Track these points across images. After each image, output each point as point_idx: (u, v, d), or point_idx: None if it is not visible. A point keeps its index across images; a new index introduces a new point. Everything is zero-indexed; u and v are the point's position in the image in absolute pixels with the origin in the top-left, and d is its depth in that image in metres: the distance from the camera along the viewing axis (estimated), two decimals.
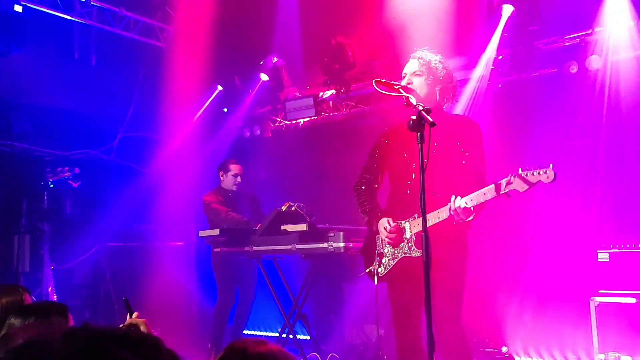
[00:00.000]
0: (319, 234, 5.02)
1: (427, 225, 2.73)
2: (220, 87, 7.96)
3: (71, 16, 6.75)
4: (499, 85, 6.11)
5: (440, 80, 3.46)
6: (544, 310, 5.45)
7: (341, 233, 4.87)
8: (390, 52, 5.83)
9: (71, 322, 2.33)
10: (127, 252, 7.28)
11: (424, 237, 2.68)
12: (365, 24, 6.25)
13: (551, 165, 2.89)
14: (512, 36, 5.79)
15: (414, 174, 3.39)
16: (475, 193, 3.09)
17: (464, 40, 5.79)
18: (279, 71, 7.44)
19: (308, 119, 7.52)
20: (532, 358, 5.48)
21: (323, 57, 6.84)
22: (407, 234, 3.38)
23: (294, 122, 7.66)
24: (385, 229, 3.39)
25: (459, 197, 3.11)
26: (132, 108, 7.48)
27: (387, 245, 3.46)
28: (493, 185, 3.05)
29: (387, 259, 3.47)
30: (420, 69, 3.46)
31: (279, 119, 7.95)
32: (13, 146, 6.72)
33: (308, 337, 5.90)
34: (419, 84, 3.43)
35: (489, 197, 3.06)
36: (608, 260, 4.84)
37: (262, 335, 7.16)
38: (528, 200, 4.74)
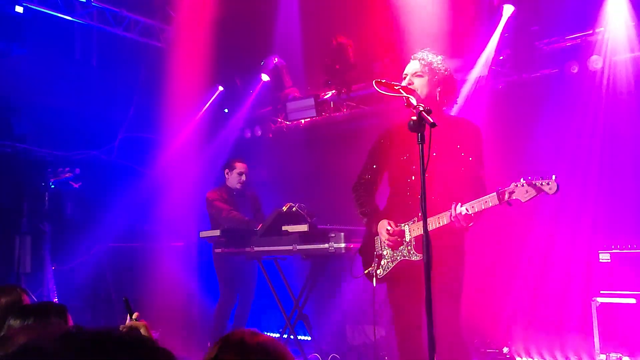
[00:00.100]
0: (319, 235, 5.01)
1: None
2: (221, 88, 7.97)
3: (72, 17, 6.76)
4: (500, 86, 6.10)
5: (441, 82, 3.45)
6: (545, 310, 5.44)
7: (342, 233, 4.87)
8: (391, 52, 5.83)
9: (70, 323, 2.33)
10: (128, 252, 7.28)
11: (425, 240, 2.67)
12: (366, 25, 6.24)
13: (554, 177, 2.87)
14: (513, 36, 5.79)
15: (413, 176, 3.38)
16: (477, 200, 3.08)
17: (465, 41, 5.79)
18: (280, 72, 7.44)
19: (309, 119, 7.52)
20: (533, 359, 5.47)
21: (324, 58, 6.84)
22: (407, 237, 3.37)
23: (294, 122, 7.66)
24: (387, 231, 3.37)
25: (459, 204, 3.10)
26: (132, 109, 7.48)
27: (387, 248, 3.45)
28: (495, 193, 3.03)
29: (385, 261, 3.46)
30: (421, 69, 3.45)
31: (279, 120, 7.95)
32: (14, 147, 6.73)
33: (309, 338, 5.90)
34: (419, 85, 3.42)
35: (490, 205, 3.05)
36: (609, 260, 4.83)
37: None
38: (529, 201, 4.72)
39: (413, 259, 3.32)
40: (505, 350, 5.44)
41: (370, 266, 3.51)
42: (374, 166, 3.66)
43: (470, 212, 3.08)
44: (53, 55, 6.80)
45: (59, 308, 2.31)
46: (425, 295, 2.59)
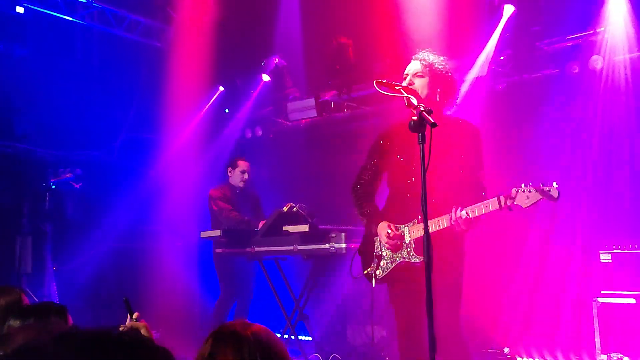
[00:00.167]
0: (320, 235, 5.01)
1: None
2: (222, 88, 7.97)
3: (73, 17, 6.77)
4: (500, 87, 6.10)
5: (442, 83, 3.45)
6: (546, 311, 5.43)
7: (343, 234, 4.87)
8: (391, 53, 5.82)
9: (70, 323, 2.33)
10: (129, 253, 7.28)
11: (426, 241, 2.66)
12: (366, 25, 6.24)
13: (555, 184, 2.86)
14: (513, 36, 5.79)
15: (413, 177, 3.38)
16: (478, 205, 3.07)
17: (465, 41, 5.78)
18: (281, 72, 7.44)
19: (310, 119, 7.51)
20: (533, 359, 5.46)
21: (324, 58, 6.84)
22: (407, 239, 3.36)
23: (295, 122, 7.66)
24: (387, 235, 3.37)
25: (460, 209, 3.10)
26: (133, 109, 7.49)
27: (386, 249, 3.45)
28: (496, 198, 3.02)
29: (385, 262, 3.45)
30: (422, 70, 3.44)
31: (280, 120, 7.95)
32: (15, 147, 6.74)
33: (310, 338, 5.90)
34: (420, 85, 3.41)
35: (491, 209, 3.04)
36: (610, 261, 4.83)
37: None
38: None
39: (413, 260, 3.31)
40: (506, 350, 5.43)
41: (370, 267, 3.51)
42: (374, 167, 3.64)
43: (470, 216, 3.08)
44: (54, 55, 6.81)
45: (59, 308, 2.31)
46: (426, 296, 2.59)
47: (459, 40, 5.60)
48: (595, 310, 4.74)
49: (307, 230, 5.03)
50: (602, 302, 4.75)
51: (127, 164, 7.58)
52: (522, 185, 2.93)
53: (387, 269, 3.43)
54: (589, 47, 5.52)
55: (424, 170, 2.66)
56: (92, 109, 7.16)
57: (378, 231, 3.44)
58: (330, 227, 5.13)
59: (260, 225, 5.73)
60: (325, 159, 7.36)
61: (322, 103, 7.25)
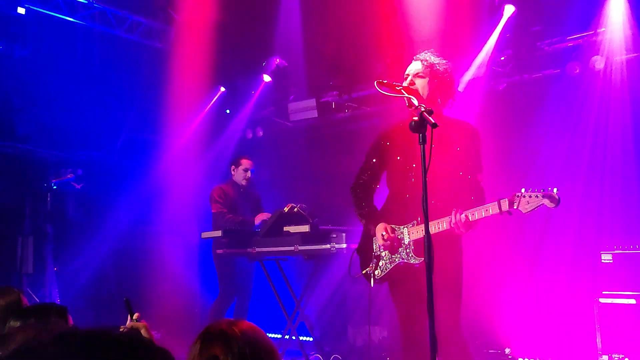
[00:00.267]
0: (321, 235, 5.01)
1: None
2: (222, 89, 7.98)
3: (74, 18, 6.77)
4: (501, 87, 6.10)
5: (443, 84, 3.44)
6: (547, 311, 5.42)
7: (344, 234, 4.86)
8: (392, 53, 5.82)
9: (71, 323, 2.33)
10: (130, 253, 7.29)
11: (427, 241, 2.66)
12: (366, 25, 6.24)
13: (555, 189, 2.86)
14: (514, 37, 5.78)
15: (413, 178, 3.37)
16: (478, 208, 3.07)
17: (466, 41, 5.78)
18: (282, 72, 7.45)
19: (311, 120, 7.51)
20: (535, 359, 5.45)
21: (325, 59, 6.84)
22: (406, 240, 3.35)
23: (296, 123, 7.66)
24: (382, 236, 3.36)
25: (459, 212, 3.09)
26: (134, 110, 7.49)
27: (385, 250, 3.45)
28: (496, 203, 3.01)
29: (384, 262, 3.45)
30: (423, 70, 3.43)
31: (281, 120, 7.95)
32: (16, 148, 6.75)
33: (311, 339, 5.90)
34: (420, 86, 3.41)
35: (490, 213, 3.05)
36: (612, 261, 4.82)
37: None
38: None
39: (412, 262, 3.31)
40: (507, 351, 5.43)
41: (368, 266, 3.50)
42: (373, 167, 3.63)
43: (470, 219, 3.08)
44: (55, 56, 6.81)
45: (59, 309, 2.31)
46: (427, 296, 2.59)
47: (459, 41, 5.60)
48: (596, 311, 4.73)
49: (308, 230, 5.03)
50: (603, 303, 4.74)
51: (128, 164, 7.59)
52: (523, 190, 2.93)
53: (386, 270, 3.43)
54: (590, 48, 5.51)
55: (425, 171, 2.65)
56: (93, 110, 7.16)
57: (376, 232, 3.43)
58: (331, 227, 5.13)
59: (256, 220, 5.79)
60: (326, 160, 7.36)
61: (322, 103, 7.25)
